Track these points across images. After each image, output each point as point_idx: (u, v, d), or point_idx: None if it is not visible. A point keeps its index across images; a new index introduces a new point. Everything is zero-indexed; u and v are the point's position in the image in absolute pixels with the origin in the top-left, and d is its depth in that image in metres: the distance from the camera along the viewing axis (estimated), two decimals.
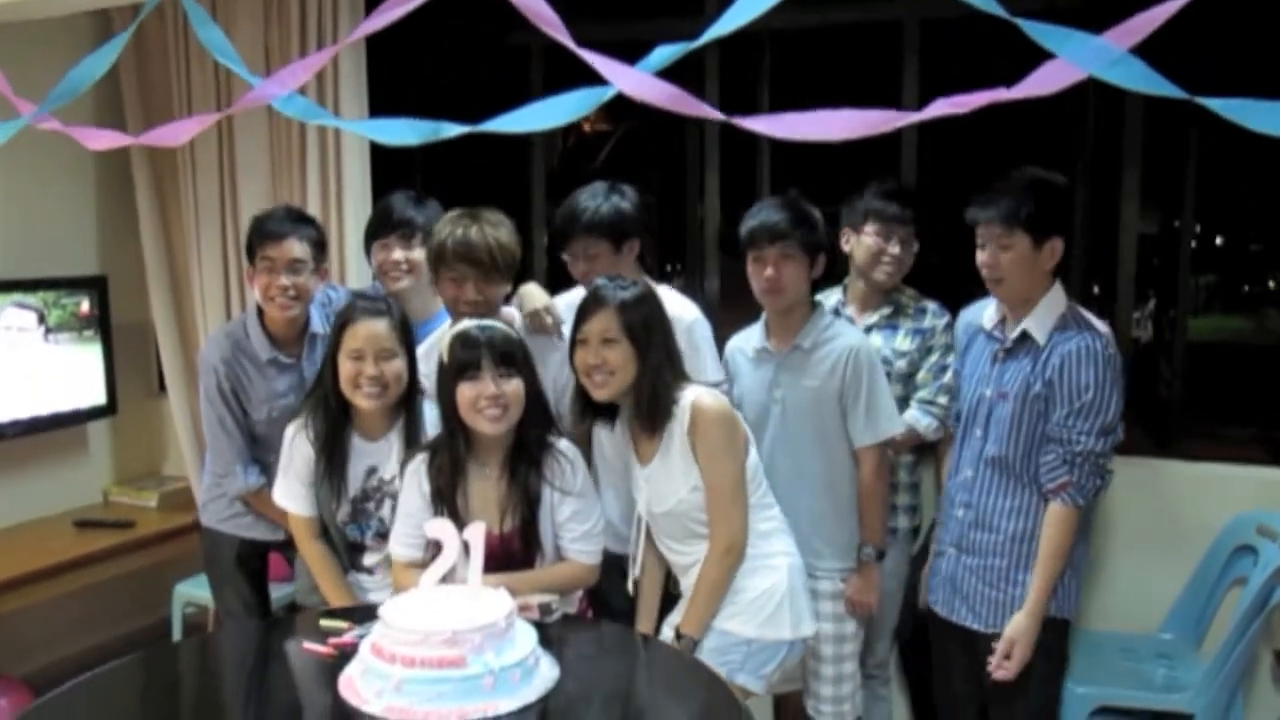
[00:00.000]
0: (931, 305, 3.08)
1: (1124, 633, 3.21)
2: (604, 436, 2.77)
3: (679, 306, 2.90)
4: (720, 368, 2.94)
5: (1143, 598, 3.22)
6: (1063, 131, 3.89)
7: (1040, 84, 1.70)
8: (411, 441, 2.66)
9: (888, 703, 3.21)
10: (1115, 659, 3.06)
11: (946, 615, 2.73)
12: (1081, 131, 3.81)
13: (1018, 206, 2.53)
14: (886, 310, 3.07)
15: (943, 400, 2.99)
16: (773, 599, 2.53)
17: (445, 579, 2.23)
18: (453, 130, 2.23)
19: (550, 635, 2.25)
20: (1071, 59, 1.68)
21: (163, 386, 4.18)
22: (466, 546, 2.22)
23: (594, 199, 2.90)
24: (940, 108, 1.76)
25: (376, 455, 2.68)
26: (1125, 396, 2.71)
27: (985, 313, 2.78)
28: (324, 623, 2.35)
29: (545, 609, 2.37)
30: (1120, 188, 3.43)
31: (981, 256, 2.62)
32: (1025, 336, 2.60)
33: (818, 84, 3.24)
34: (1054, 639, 2.63)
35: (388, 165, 3.76)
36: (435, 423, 2.61)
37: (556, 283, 3.83)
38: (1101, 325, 2.90)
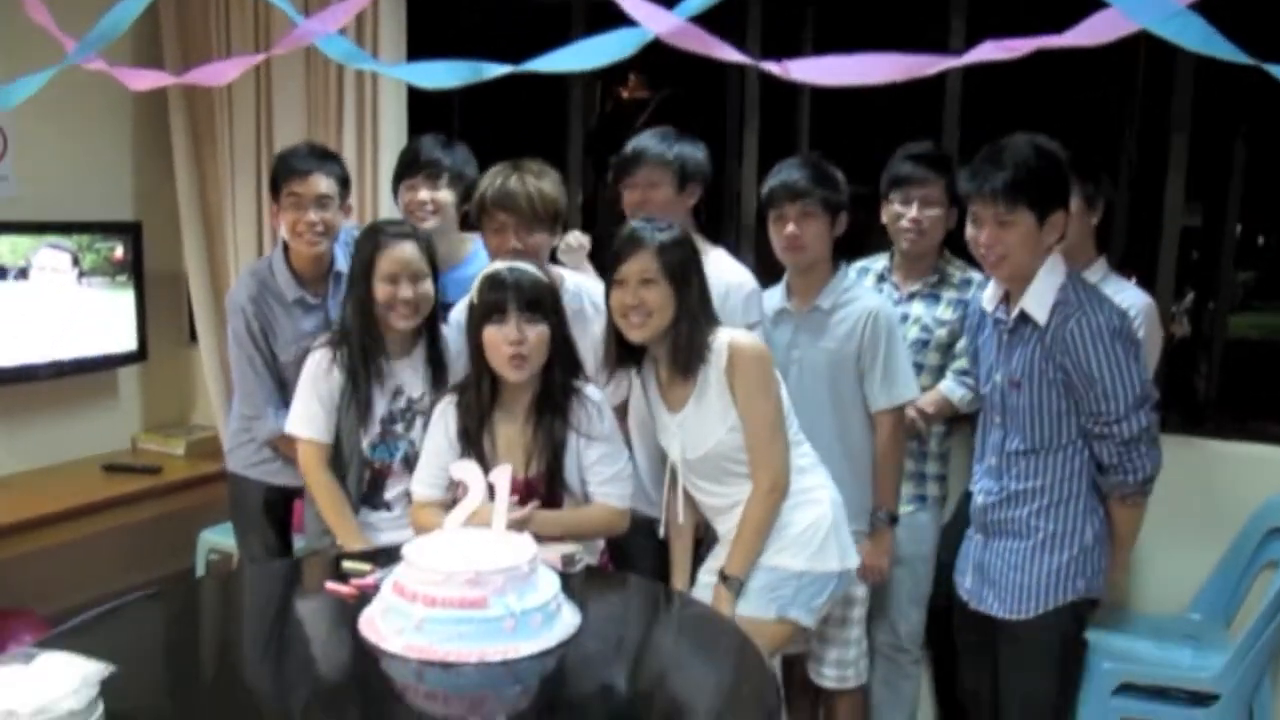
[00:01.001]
0: (978, 277, 3.02)
1: (1152, 613, 3.17)
2: (634, 396, 2.75)
3: (738, 273, 2.90)
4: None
5: (1172, 578, 3.17)
6: (1108, 123, 3.83)
7: (1091, 33, 1.66)
8: (435, 360, 2.68)
9: (915, 680, 3.17)
10: (1144, 637, 3.02)
11: (976, 606, 2.64)
12: (1127, 122, 3.74)
13: (1020, 178, 2.36)
14: (932, 279, 3.05)
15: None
16: (819, 531, 2.52)
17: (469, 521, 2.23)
18: (494, 71, 2.21)
19: (573, 585, 2.25)
20: (1126, 10, 1.64)
21: (194, 336, 4.20)
22: (492, 489, 2.22)
23: (664, 138, 2.91)
24: (988, 51, 1.72)
25: (401, 375, 2.70)
26: (1160, 391, 2.65)
27: (985, 294, 2.64)
28: (347, 564, 2.35)
29: (569, 560, 2.36)
30: (1164, 179, 3.34)
31: (976, 234, 2.45)
32: (1026, 316, 2.45)
33: (862, 47, 3.21)
34: (1075, 621, 2.53)
35: (424, 116, 3.75)
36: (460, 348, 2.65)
37: (594, 245, 3.82)
38: (1135, 296, 2.80)
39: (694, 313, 2.48)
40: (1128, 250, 3.26)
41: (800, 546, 2.51)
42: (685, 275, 2.48)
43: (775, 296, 2.95)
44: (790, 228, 2.77)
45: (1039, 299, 2.41)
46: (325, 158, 2.99)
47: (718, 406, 2.49)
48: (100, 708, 1.62)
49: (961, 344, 2.97)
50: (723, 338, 2.49)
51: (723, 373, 2.47)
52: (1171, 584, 3.18)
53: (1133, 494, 2.42)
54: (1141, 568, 3.18)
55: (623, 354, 2.59)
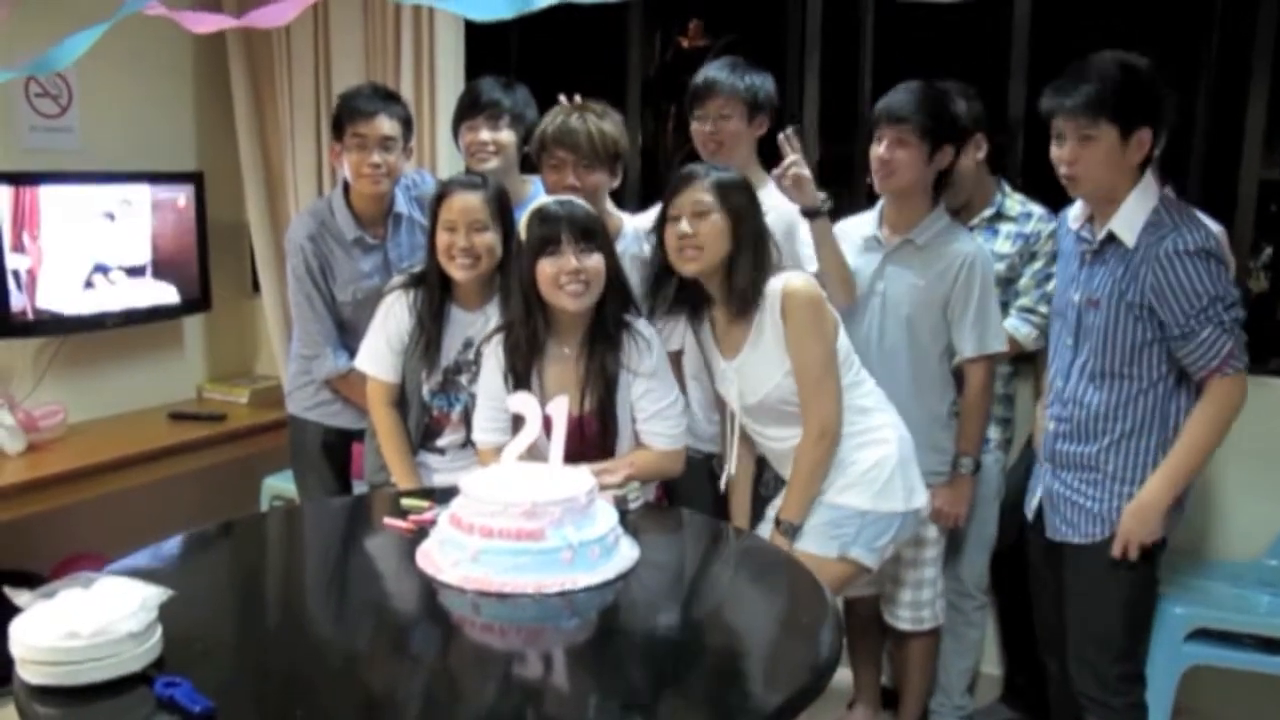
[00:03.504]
0: (1038, 210, 2.96)
1: (1229, 558, 3.09)
2: (689, 344, 2.72)
3: (785, 200, 2.83)
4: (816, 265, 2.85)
5: (1250, 523, 3.09)
6: (1184, 69, 3.70)
7: None
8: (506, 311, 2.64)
9: (980, 628, 3.13)
10: (1218, 583, 2.95)
11: (1050, 535, 2.57)
12: (1204, 68, 3.61)
13: (1103, 92, 2.29)
14: (988, 213, 2.97)
15: (1044, 309, 2.88)
16: (885, 470, 2.50)
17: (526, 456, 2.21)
18: (545, 1, 2.18)
19: (631, 521, 2.24)
20: None
21: (256, 286, 4.22)
22: (548, 422, 2.20)
23: (735, 68, 2.88)
24: None
25: (473, 327, 2.68)
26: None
27: (1071, 211, 2.59)
28: (405, 502, 2.36)
29: (621, 500, 2.33)
30: (1243, 129, 3.21)
31: (1058, 151, 2.39)
32: (1113, 238, 2.37)
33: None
34: (1145, 558, 2.42)
35: (482, 62, 3.72)
36: None
37: (650, 189, 3.78)
38: (1210, 223, 2.70)
39: (750, 250, 2.45)
40: (1204, 203, 3.14)
41: (865, 485, 2.49)
42: (741, 208, 2.45)
43: (867, 223, 2.88)
44: (881, 150, 2.69)
45: (1129, 221, 2.35)
46: (389, 99, 2.99)
47: (775, 351, 2.47)
48: (159, 631, 1.64)
49: (1024, 281, 2.91)
50: (776, 283, 2.46)
51: (778, 317, 2.45)
52: (1249, 529, 3.09)
53: (1231, 355, 2.27)
54: (1218, 512, 3.11)
55: (676, 299, 2.58)
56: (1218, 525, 3.11)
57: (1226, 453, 2.99)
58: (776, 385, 2.49)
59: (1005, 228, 2.95)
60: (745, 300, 2.47)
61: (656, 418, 2.53)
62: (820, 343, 2.46)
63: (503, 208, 2.64)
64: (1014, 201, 2.99)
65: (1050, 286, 2.85)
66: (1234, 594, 2.90)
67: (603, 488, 2.24)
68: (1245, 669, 2.81)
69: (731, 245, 2.45)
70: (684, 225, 2.44)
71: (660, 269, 2.56)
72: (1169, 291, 2.28)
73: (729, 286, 2.48)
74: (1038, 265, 2.90)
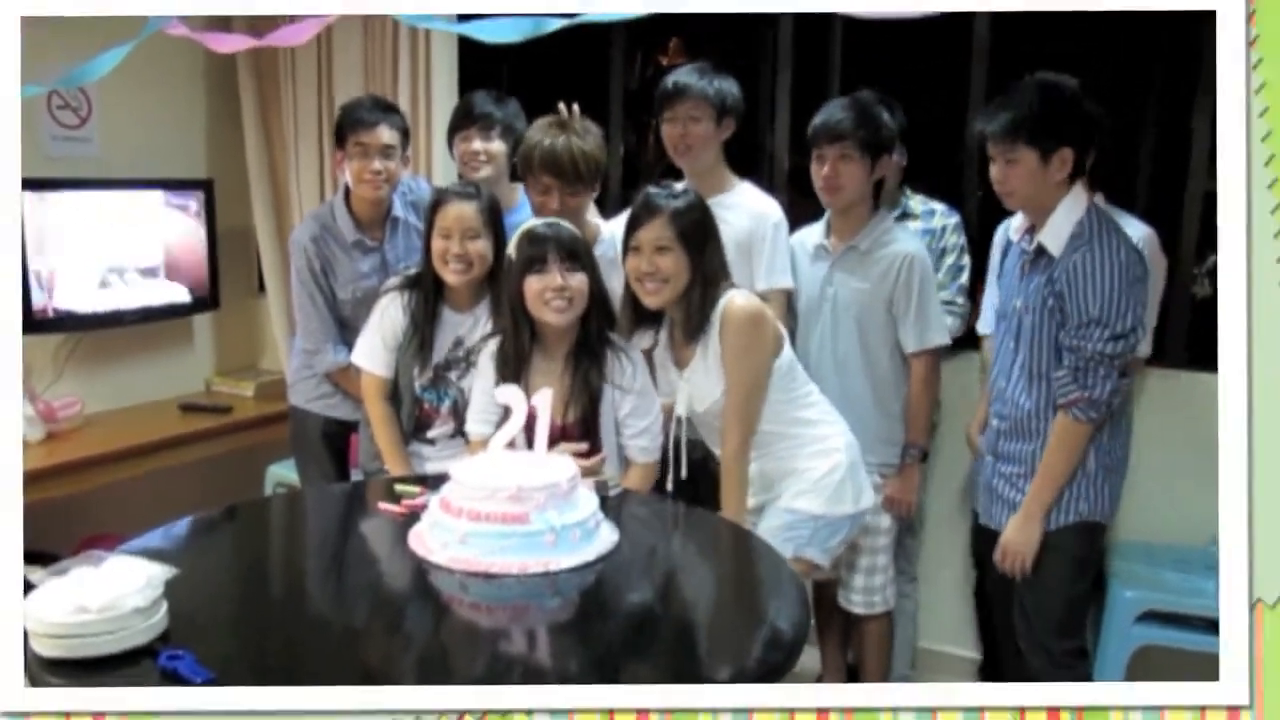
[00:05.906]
0: (940, 206, 3.13)
1: (1178, 544, 3.19)
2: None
3: (766, 204, 2.99)
4: (790, 275, 3.00)
5: (1196, 511, 3.13)
6: (1134, 87, 3.81)
7: None
8: (497, 315, 2.78)
9: (913, 599, 3.28)
10: (1167, 569, 3.07)
11: (987, 523, 2.74)
12: (1153, 86, 3.73)
13: (1020, 118, 2.44)
14: (895, 214, 3.09)
15: (961, 300, 3.08)
16: (834, 476, 2.63)
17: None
18: (554, 24, 2.32)
19: (611, 506, 2.36)
20: None
21: (262, 286, 4.36)
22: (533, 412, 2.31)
23: (704, 73, 2.97)
24: None
25: (463, 327, 2.82)
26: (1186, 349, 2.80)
27: (1013, 223, 2.74)
28: (399, 488, 2.47)
29: (601, 486, 2.44)
30: (1189, 144, 3.29)
31: (991, 170, 2.56)
32: (1042, 249, 2.52)
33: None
34: (1081, 544, 2.60)
35: (473, 76, 3.85)
36: None
37: (631, 197, 3.90)
38: (1136, 228, 2.79)
39: (708, 279, 2.57)
40: (1150, 214, 3.27)
41: (818, 492, 2.63)
42: (700, 240, 2.56)
43: (815, 233, 3.01)
44: (826, 169, 2.80)
45: (1056, 232, 2.48)
46: (389, 110, 3.13)
47: (717, 368, 2.59)
48: (164, 606, 1.72)
49: (941, 276, 3.06)
50: (721, 302, 2.57)
51: (716, 336, 2.57)
52: (1197, 518, 3.13)
53: (1076, 402, 2.46)
54: (1168, 501, 3.21)
55: (640, 316, 2.69)
56: (1167, 513, 3.21)
57: (1176, 444, 3.11)
58: (716, 401, 2.61)
59: (912, 225, 3.10)
60: (701, 324, 2.59)
61: (643, 434, 2.66)
62: (752, 361, 2.58)
63: (495, 217, 2.78)
64: (916, 201, 3.16)
65: (964, 278, 3.07)
66: (1182, 579, 3.02)
67: (584, 474, 2.36)
68: (1191, 649, 2.90)
69: (690, 277, 2.56)
70: (645, 263, 2.55)
71: (629, 292, 2.67)
72: (1067, 298, 2.44)
73: (687, 312, 2.60)
74: (949, 260, 3.10)
